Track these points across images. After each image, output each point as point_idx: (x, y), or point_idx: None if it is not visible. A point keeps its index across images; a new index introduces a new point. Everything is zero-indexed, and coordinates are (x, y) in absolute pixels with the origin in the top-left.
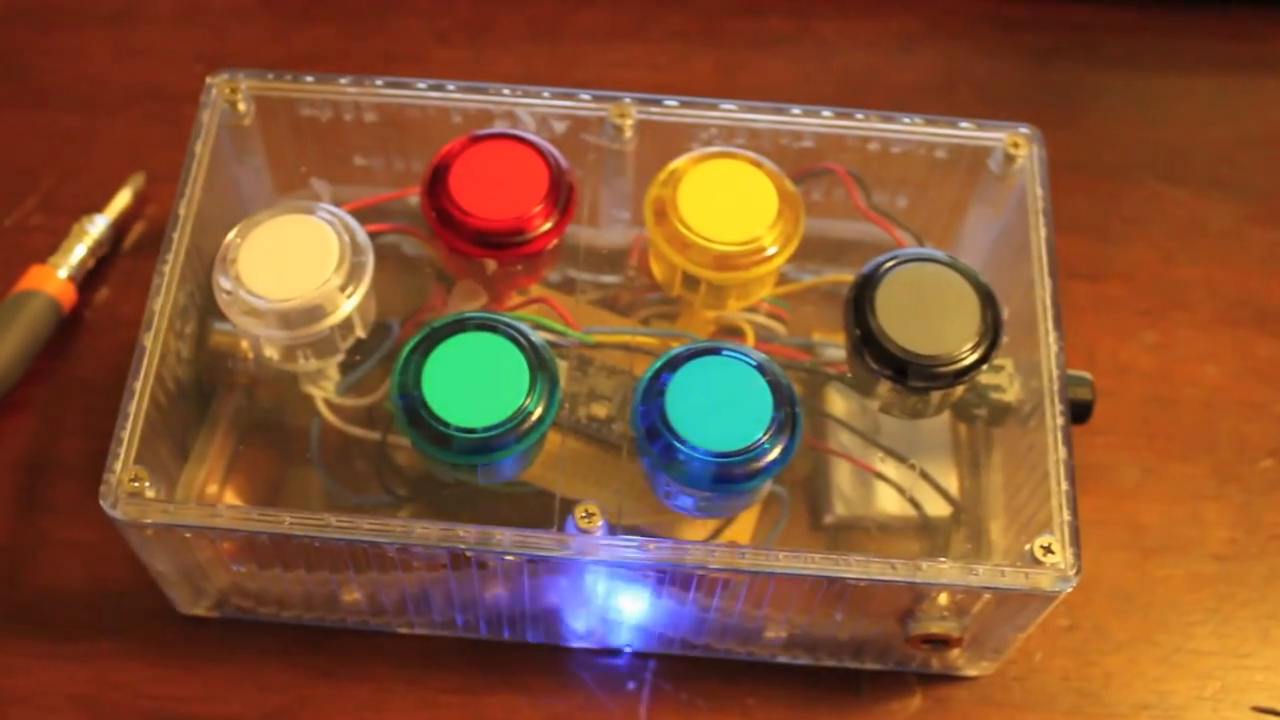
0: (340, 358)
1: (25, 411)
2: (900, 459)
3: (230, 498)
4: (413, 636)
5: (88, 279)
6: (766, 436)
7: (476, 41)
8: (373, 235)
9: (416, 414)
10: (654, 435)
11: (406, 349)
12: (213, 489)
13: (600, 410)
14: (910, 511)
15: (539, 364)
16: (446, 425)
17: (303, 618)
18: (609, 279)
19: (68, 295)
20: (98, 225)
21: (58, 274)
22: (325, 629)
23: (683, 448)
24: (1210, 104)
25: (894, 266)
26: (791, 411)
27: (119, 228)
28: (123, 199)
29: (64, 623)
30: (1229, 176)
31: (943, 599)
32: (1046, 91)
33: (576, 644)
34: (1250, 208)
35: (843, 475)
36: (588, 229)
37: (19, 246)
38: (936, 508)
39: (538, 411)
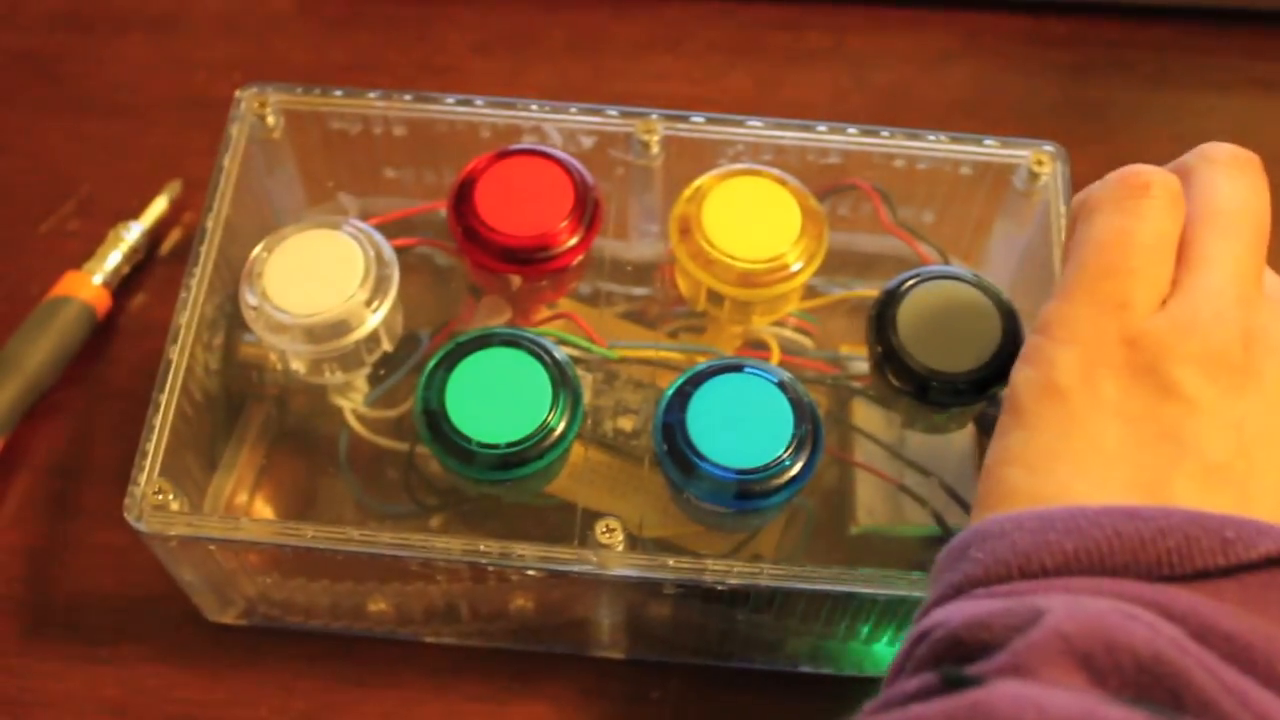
0: (367, 370)
1: (59, 416)
2: (923, 472)
3: (259, 508)
4: (439, 645)
5: (123, 285)
6: (787, 453)
7: (514, 53)
8: (401, 249)
9: (440, 429)
10: (675, 451)
11: (430, 364)
12: (241, 499)
13: (626, 424)
14: (933, 524)
15: (562, 380)
16: (469, 441)
17: (330, 626)
18: (638, 292)
19: (102, 301)
20: (133, 232)
21: (92, 280)
22: (351, 635)
23: (703, 464)
24: (1241, 122)
25: (916, 284)
26: (812, 428)
27: (155, 235)
28: (159, 206)
29: (93, 627)
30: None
31: None
32: (1079, 108)
33: (601, 654)
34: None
35: (867, 487)
36: (617, 242)
37: (55, 252)
38: (959, 520)
39: (560, 428)
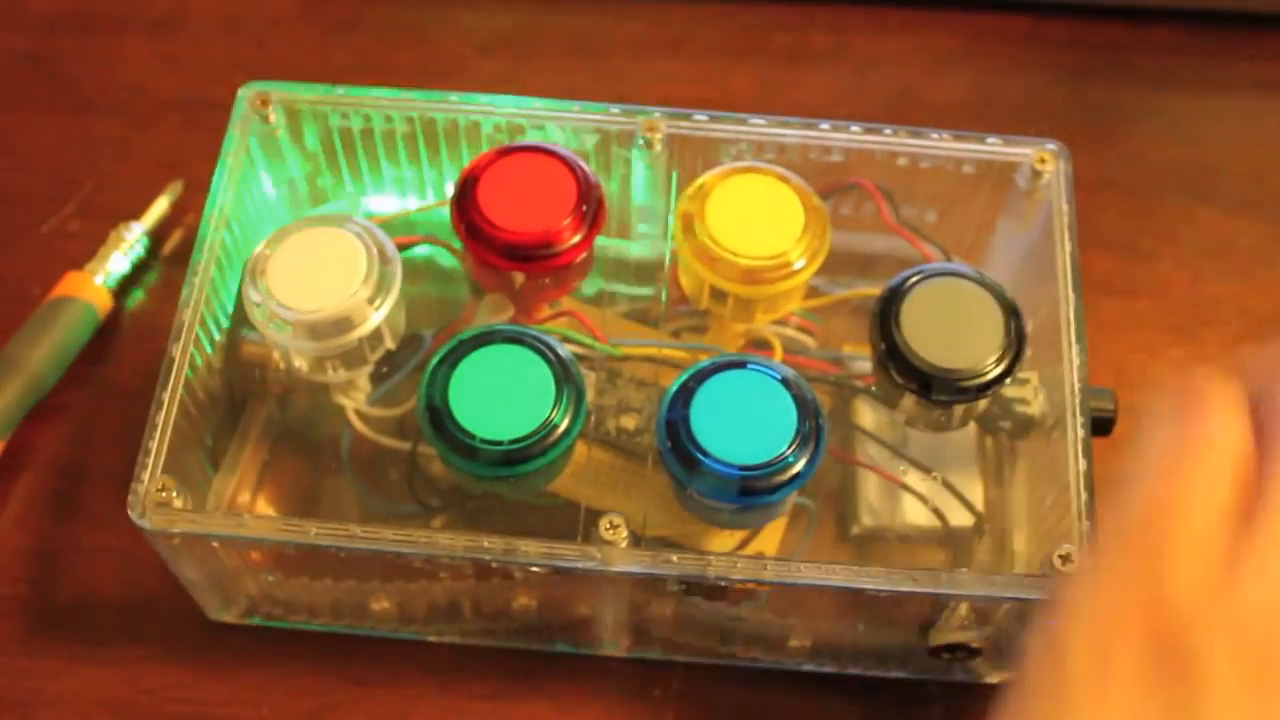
0: (370, 369)
1: (62, 417)
2: (925, 470)
3: (262, 507)
4: (441, 644)
5: (125, 286)
6: (791, 450)
7: (517, 55)
8: (404, 247)
9: (443, 425)
10: (679, 448)
11: (434, 361)
12: (244, 498)
13: (629, 422)
14: (935, 522)
15: (565, 377)
16: (472, 437)
17: (332, 625)
18: (641, 291)
19: (104, 302)
20: (134, 233)
21: (94, 280)
22: (357, 638)
23: (707, 460)
24: (1242, 124)
25: (919, 281)
26: (816, 425)
27: (157, 235)
28: (160, 207)
29: (96, 627)
30: (1259, 197)
31: (964, 609)
32: (1080, 109)
33: (604, 652)
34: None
35: (870, 487)
36: (620, 241)
37: (57, 252)
38: (961, 518)
39: (564, 424)
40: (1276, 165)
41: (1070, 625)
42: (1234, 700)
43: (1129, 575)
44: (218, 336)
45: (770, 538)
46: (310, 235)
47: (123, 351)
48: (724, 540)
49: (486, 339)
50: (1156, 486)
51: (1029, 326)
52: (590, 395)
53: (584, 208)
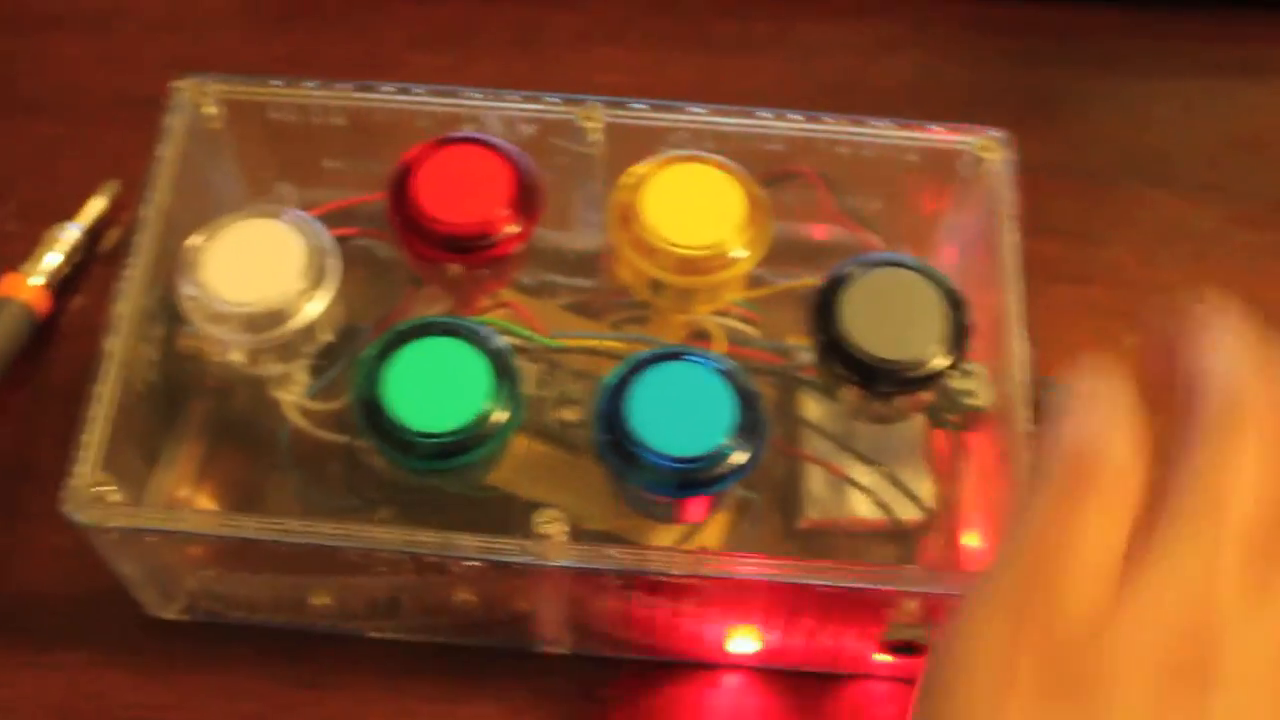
0: (307, 362)
1: (1, 418)
2: (872, 463)
3: (203, 501)
4: (391, 642)
5: (63, 286)
6: (729, 441)
7: (455, 47)
8: (342, 239)
9: (377, 419)
10: (616, 441)
11: (367, 354)
12: (183, 493)
13: (570, 414)
14: (884, 516)
15: (502, 368)
16: (407, 431)
17: (272, 621)
18: (583, 283)
19: (42, 302)
20: (70, 232)
21: (30, 281)
22: (301, 634)
23: (644, 453)
24: (1194, 107)
25: (860, 271)
26: (756, 416)
27: (94, 234)
28: (96, 205)
29: (38, 629)
30: (1213, 179)
31: (912, 605)
32: (1029, 94)
33: (549, 650)
34: (1234, 210)
35: (816, 480)
36: (561, 233)
37: None
38: (909, 512)
39: (500, 416)
40: (1230, 148)
41: (971, 642)
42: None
43: (1024, 605)
44: (156, 330)
45: (714, 532)
46: (246, 227)
47: (62, 351)
48: (667, 535)
49: (422, 331)
50: (1047, 513)
51: (973, 317)
52: (530, 388)
53: (521, 198)
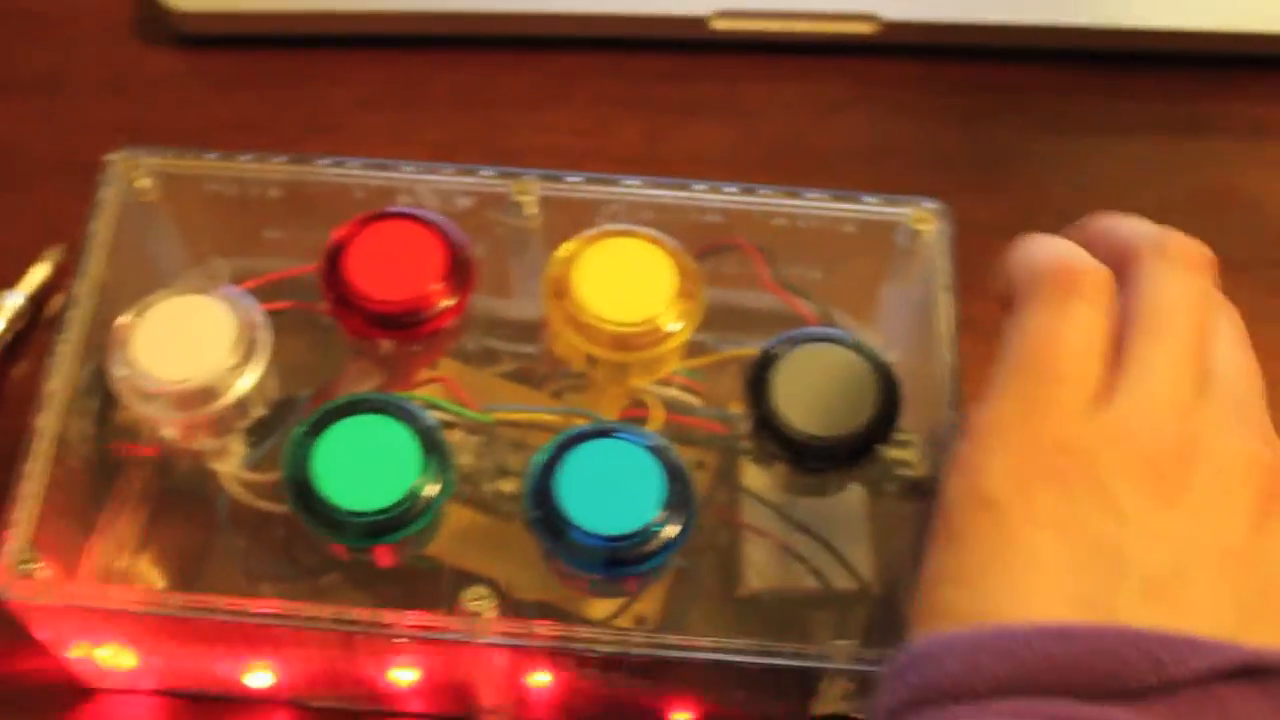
0: (240, 435)
1: None
2: (809, 534)
3: (143, 570)
4: (328, 710)
5: (5, 354)
6: (657, 519)
7: (401, 108)
8: (276, 312)
9: (307, 497)
10: (546, 517)
11: (296, 432)
12: (121, 564)
13: (507, 486)
14: (823, 586)
15: (431, 445)
16: (336, 509)
17: (209, 691)
18: (524, 350)
19: None
20: (12, 299)
21: None
22: (241, 702)
23: (573, 531)
24: (1141, 165)
25: (791, 347)
26: (685, 493)
27: (37, 301)
28: (39, 272)
29: None
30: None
31: (844, 680)
32: (975, 153)
33: (488, 719)
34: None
35: (757, 548)
36: (502, 301)
37: None
38: (846, 582)
39: (429, 493)
40: (1175, 206)
41: (988, 473)
42: (1139, 505)
43: (1026, 416)
44: (92, 403)
45: (651, 601)
46: (175, 304)
47: (4, 421)
48: (604, 604)
49: (351, 409)
50: (1040, 314)
51: (903, 391)
52: (468, 459)
53: (453, 273)
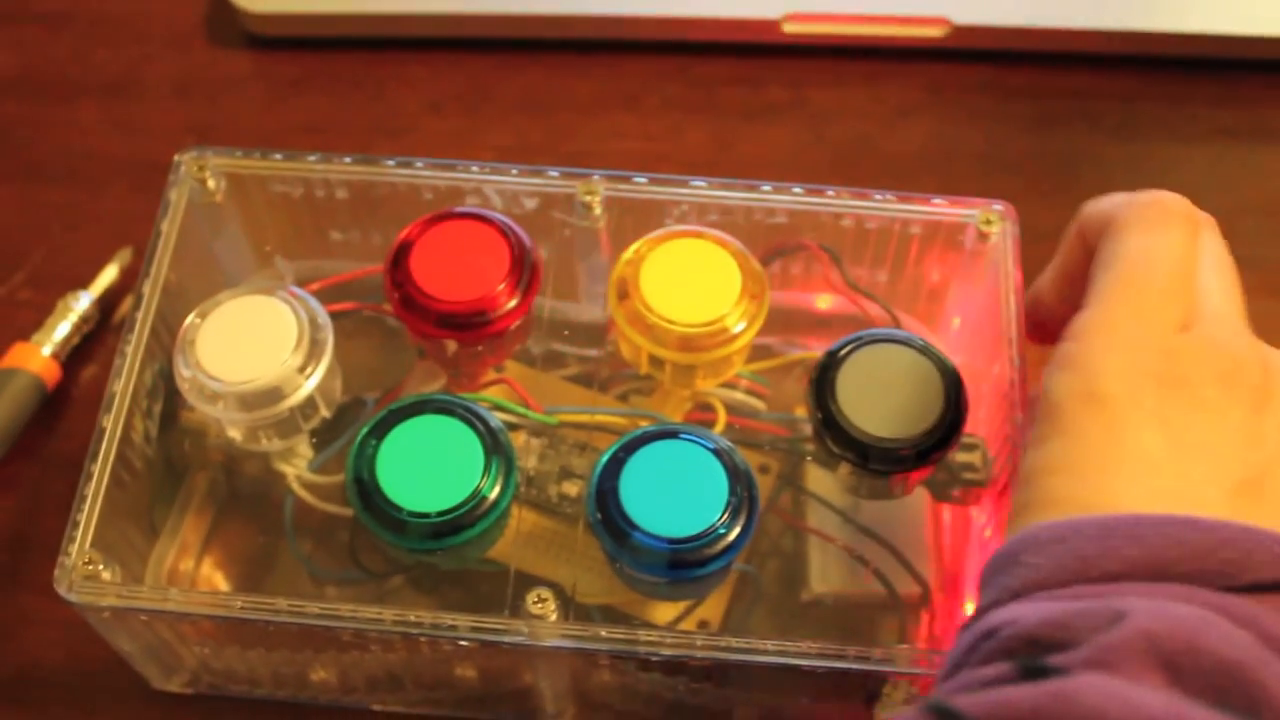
0: (306, 437)
1: (9, 488)
2: (873, 537)
3: (208, 575)
4: (395, 715)
5: (73, 355)
6: (721, 522)
7: (469, 112)
8: (341, 313)
9: (371, 499)
10: (609, 520)
11: (362, 433)
12: (186, 566)
13: (571, 488)
14: (886, 589)
15: (495, 447)
16: (400, 510)
17: (275, 695)
18: (589, 353)
19: (51, 373)
20: (82, 302)
21: (41, 352)
22: (305, 706)
23: (636, 533)
24: (1208, 171)
25: (856, 348)
26: (748, 496)
27: (105, 304)
28: (109, 275)
29: (41, 701)
30: (1228, 245)
31: (906, 684)
32: (1042, 158)
33: None
34: (1250, 277)
35: (821, 552)
36: (567, 304)
37: (6, 322)
38: (912, 586)
39: (492, 495)
40: (1241, 211)
41: (1100, 370)
42: (1233, 411)
43: (1135, 321)
44: (156, 405)
45: (715, 604)
46: (239, 305)
47: (71, 422)
48: (666, 608)
49: (416, 410)
50: (1142, 243)
51: (967, 393)
52: (532, 461)
53: (518, 274)
